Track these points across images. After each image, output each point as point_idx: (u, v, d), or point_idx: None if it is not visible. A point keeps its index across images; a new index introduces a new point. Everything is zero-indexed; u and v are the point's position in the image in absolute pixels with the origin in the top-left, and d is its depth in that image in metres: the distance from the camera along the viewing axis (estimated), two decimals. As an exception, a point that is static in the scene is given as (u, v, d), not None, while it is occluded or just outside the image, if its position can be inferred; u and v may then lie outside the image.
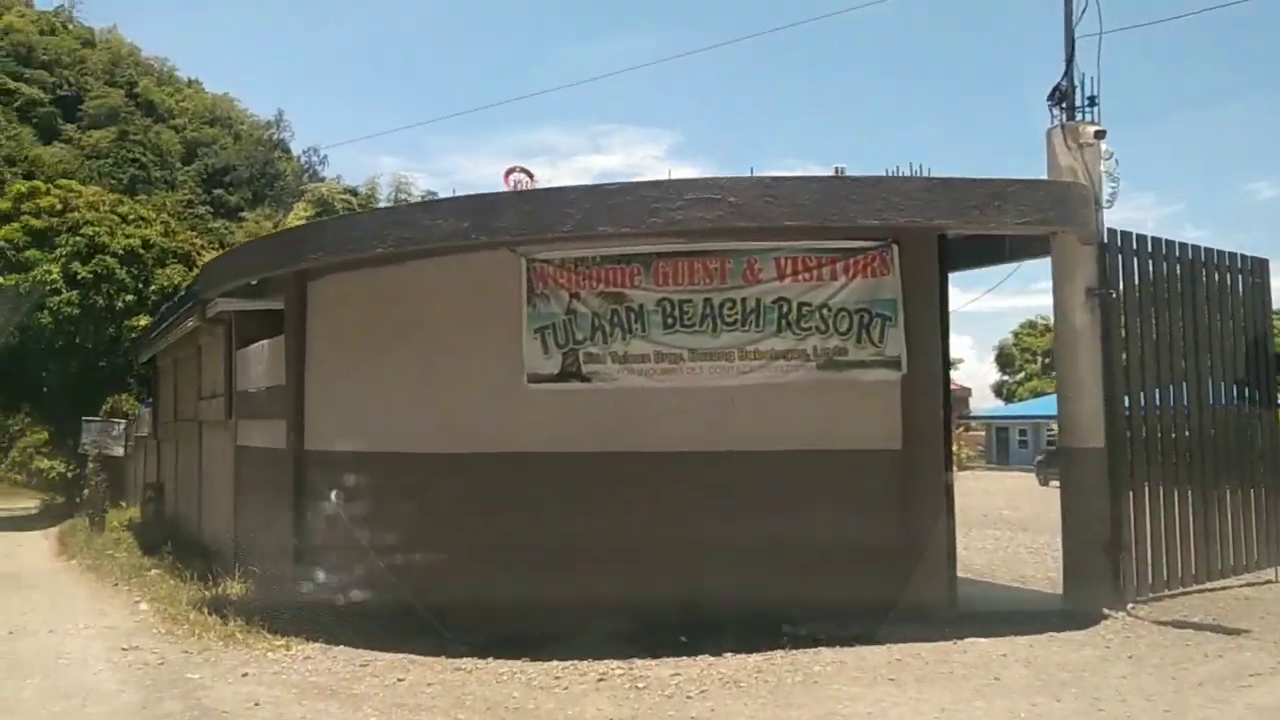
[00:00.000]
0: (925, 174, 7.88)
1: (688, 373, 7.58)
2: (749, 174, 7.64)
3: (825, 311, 7.58)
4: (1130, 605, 7.79)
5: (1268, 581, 9.14)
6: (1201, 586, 8.61)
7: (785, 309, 7.56)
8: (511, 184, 8.90)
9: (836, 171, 7.86)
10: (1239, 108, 62.16)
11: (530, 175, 9.07)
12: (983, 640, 6.75)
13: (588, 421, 7.70)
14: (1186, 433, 8.84)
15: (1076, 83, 8.16)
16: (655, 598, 7.19)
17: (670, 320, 7.60)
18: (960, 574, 8.10)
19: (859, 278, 7.58)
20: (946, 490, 7.68)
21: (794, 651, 6.51)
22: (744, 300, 7.58)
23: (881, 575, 7.23)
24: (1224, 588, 8.75)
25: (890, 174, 7.75)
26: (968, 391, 55.20)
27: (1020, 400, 52.91)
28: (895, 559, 7.30)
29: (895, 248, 7.51)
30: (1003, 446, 46.93)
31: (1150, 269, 8.51)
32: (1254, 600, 8.34)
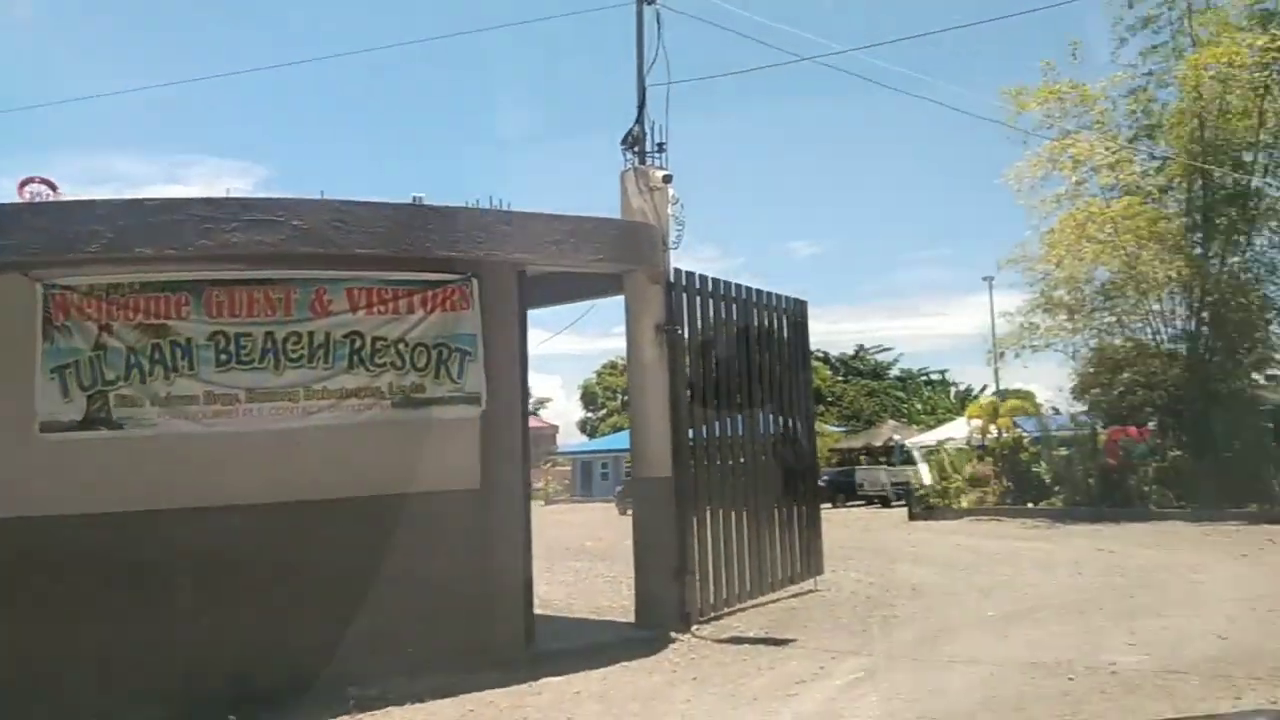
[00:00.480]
0: (505, 208, 7.81)
1: (245, 415, 6.80)
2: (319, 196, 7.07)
3: (402, 346, 7.21)
4: (695, 627, 8.22)
5: (810, 591, 10.18)
6: (756, 601, 9.35)
7: (358, 344, 7.07)
8: (28, 196, 7.47)
9: (414, 200, 7.56)
10: (779, 168, 72.11)
11: (53, 187, 7.69)
12: (557, 679, 6.69)
13: (119, 476, 6.61)
14: (742, 459, 9.60)
15: (648, 129, 8.61)
16: (204, 676, 6.31)
17: (225, 356, 6.79)
18: (540, 610, 8.06)
19: (438, 311, 7.31)
20: (525, 527, 7.59)
21: (358, 717, 6.00)
22: (311, 334, 6.97)
23: (461, 621, 6.95)
24: (774, 600, 9.59)
25: (469, 206, 7.59)
26: (555, 429, 57.58)
27: (603, 435, 55.72)
28: (475, 602, 7.07)
29: (475, 281, 7.34)
30: (587, 480, 49.16)
31: (711, 308, 9.17)
32: (798, 610, 9.20)
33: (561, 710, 6.09)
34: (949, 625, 8.03)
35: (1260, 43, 18.50)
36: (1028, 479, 22.57)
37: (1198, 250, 20.58)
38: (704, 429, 8.99)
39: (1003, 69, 53.44)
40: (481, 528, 7.28)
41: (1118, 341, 22.14)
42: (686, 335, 8.72)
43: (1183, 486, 19.10)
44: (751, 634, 8.09)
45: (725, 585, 8.96)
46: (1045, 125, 21.48)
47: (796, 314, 10.72)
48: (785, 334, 10.53)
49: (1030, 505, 21.66)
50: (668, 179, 8.41)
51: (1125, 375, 21.10)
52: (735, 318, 9.54)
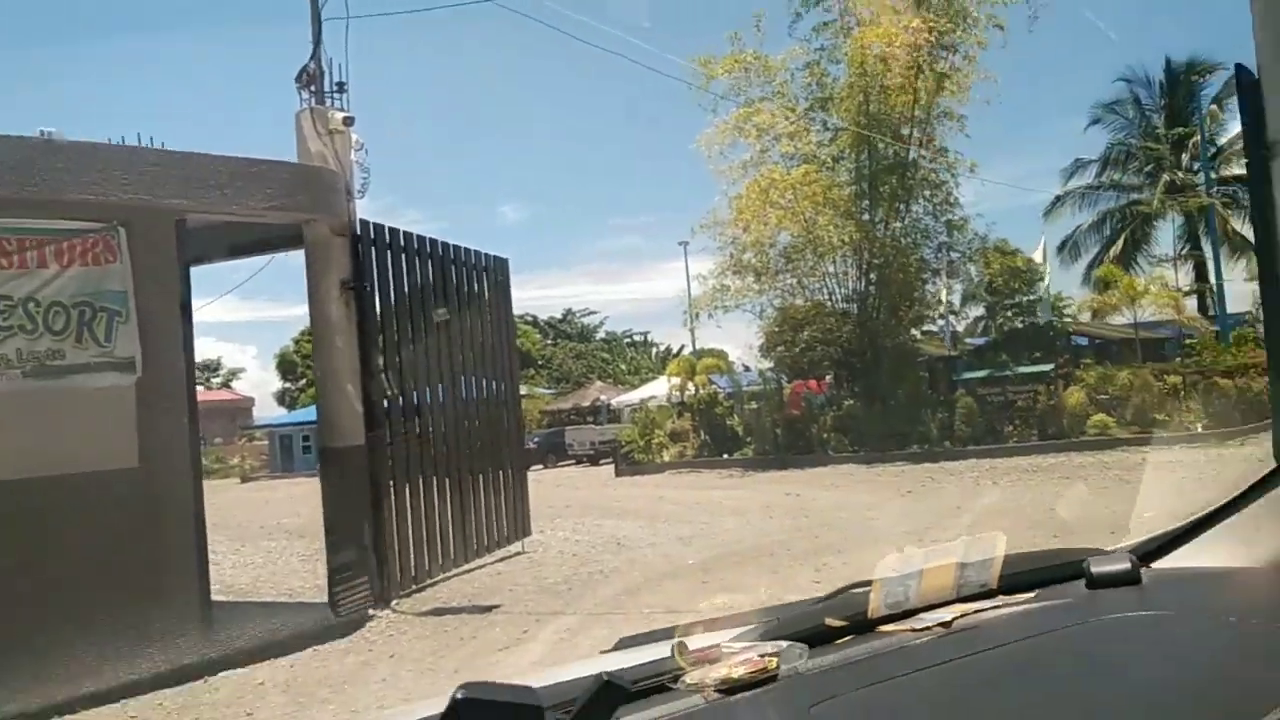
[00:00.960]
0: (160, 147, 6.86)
1: None
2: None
3: (32, 306, 6.16)
4: (395, 602, 7.79)
5: (517, 554, 10.02)
6: (461, 569, 9.05)
7: (-26, 304, 5.96)
8: None
9: (42, 135, 6.43)
10: (485, 128, 71.30)
11: None
12: (238, 671, 6.05)
13: None
14: (443, 425, 9.21)
15: (325, 67, 7.90)
16: None
17: None
18: (223, 597, 7.34)
19: (76, 265, 6.31)
20: (196, 507, 6.79)
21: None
22: (-91, 292, 5.78)
23: (125, 615, 6.07)
24: (481, 566, 9.33)
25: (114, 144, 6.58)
26: (251, 401, 53.78)
27: (303, 406, 52.72)
28: (139, 594, 6.23)
29: (123, 231, 6.40)
30: (287, 454, 46.31)
31: (405, 264, 8.65)
32: (504, 575, 9.00)
33: (241, 705, 5.49)
34: (651, 576, 8.16)
35: (914, 24, 20.35)
36: (723, 432, 23.88)
37: (865, 216, 22.46)
38: (400, 393, 8.50)
39: (698, 36, 55.53)
40: (143, 510, 6.41)
41: (799, 302, 23.81)
42: (377, 293, 8.16)
43: (856, 433, 20.96)
44: (455, 604, 7.79)
45: (427, 555, 8.58)
46: (733, 93, 22.62)
47: (498, 272, 10.42)
48: (487, 293, 10.21)
49: (725, 456, 22.92)
50: (349, 121, 7.77)
51: (805, 333, 22.74)
52: (432, 275, 9.07)
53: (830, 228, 21.77)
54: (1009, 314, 22.06)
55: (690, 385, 26.55)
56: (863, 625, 1.36)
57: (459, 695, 0.80)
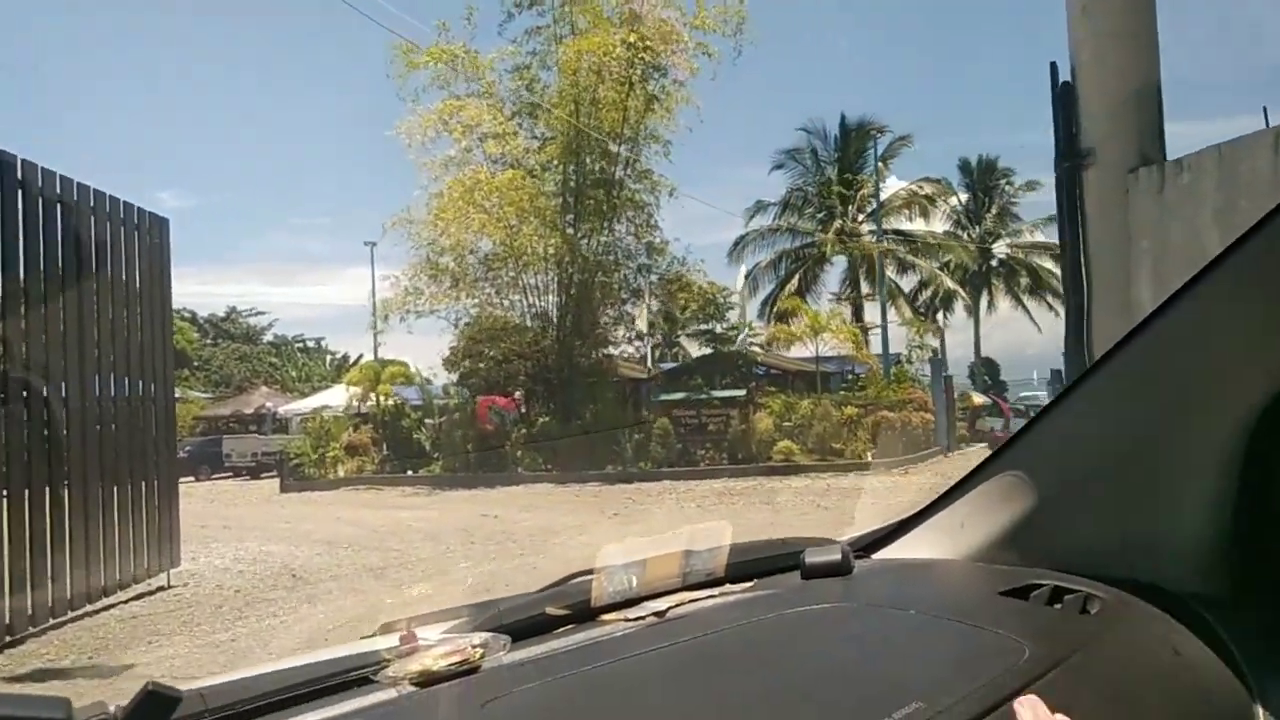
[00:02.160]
0: None
1: None
2: None
3: None
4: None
5: (161, 589, 8.05)
6: (82, 611, 7.00)
7: None
8: None
9: None
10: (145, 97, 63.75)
11: None
12: None
13: None
14: (65, 423, 7.07)
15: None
16: None
17: None
18: None
19: None
20: None
21: None
22: None
23: None
24: (110, 606, 7.31)
25: None
26: None
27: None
28: None
29: None
30: None
31: (18, 203, 6.52)
32: (143, 618, 7.08)
33: None
34: (341, 621, 6.63)
35: (631, 39, 20.12)
36: (408, 446, 22.18)
37: (570, 230, 21.83)
38: (2, 376, 6.35)
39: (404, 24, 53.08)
40: None
41: (498, 312, 22.73)
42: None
43: (549, 451, 20.16)
44: (67, 662, 5.83)
45: (30, 599, 6.46)
46: (437, 86, 21.24)
47: (154, 234, 8.35)
48: (138, 261, 8.13)
49: (410, 473, 21.26)
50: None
51: (500, 346, 21.71)
52: (61, 225, 6.95)
53: (534, 237, 20.93)
54: (704, 340, 22.37)
55: (373, 395, 24.54)
56: (584, 614, 1.34)
57: None
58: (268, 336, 55.36)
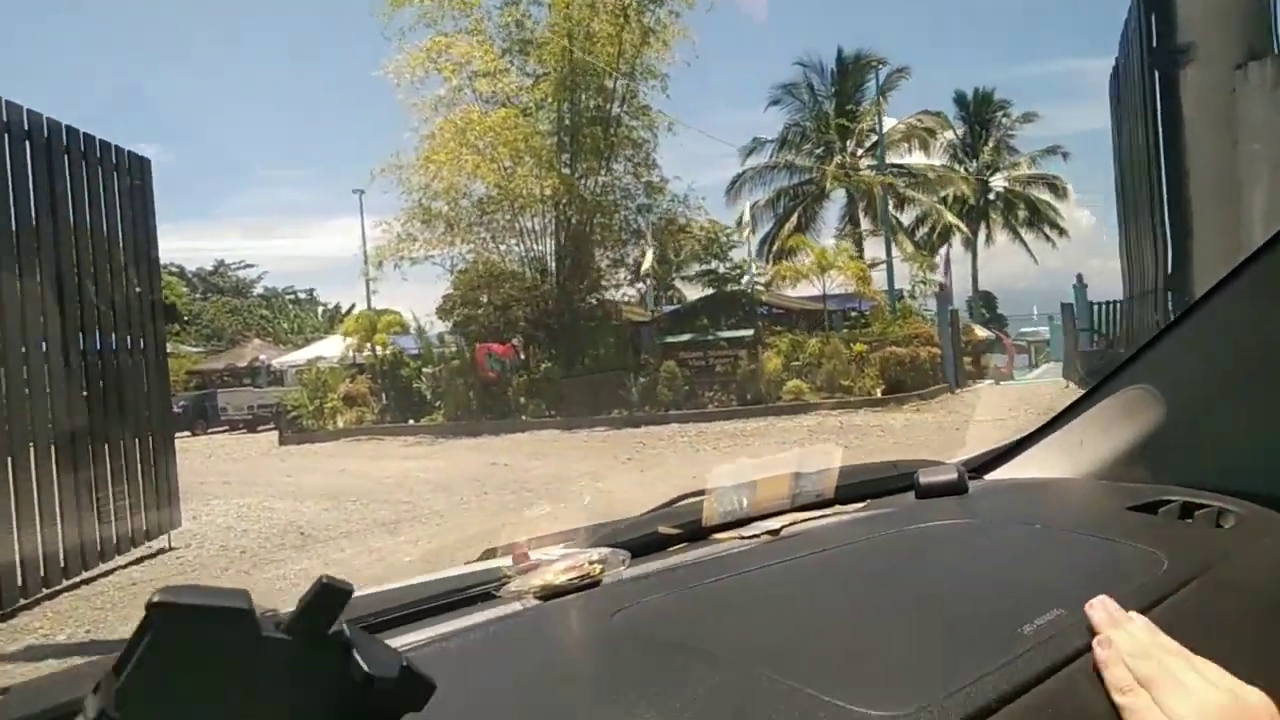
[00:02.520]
0: None
1: None
2: None
3: None
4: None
5: (162, 551, 7.64)
6: (79, 579, 6.58)
7: None
8: None
9: None
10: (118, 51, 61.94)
11: None
12: None
13: None
14: (48, 388, 6.55)
15: None
16: None
17: None
18: None
19: None
20: None
21: None
22: None
23: None
24: (109, 572, 6.89)
25: None
26: None
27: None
28: None
29: None
30: None
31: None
32: (143, 584, 6.64)
33: None
34: (359, 582, 6.20)
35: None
36: (409, 396, 21.74)
37: (567, 170, 21.12)
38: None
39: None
40: None
41: (494, 257, 22.13)
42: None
43: (553, 397, 19.72)
44: (63, 636, 5.41)
45: (21, 566, 6.03)
46: (424, 23, 20.43)
47: (135, 175, 7.77)
48: (120, 205, 7.57)
49: (411, 422, 20.84)
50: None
51: (500, 291, 21.14)
52: (33, 166, 6.39)
53: (529, 178, 20.26)
54: (706, 280, 21.77)
55: (369, 346, 24.02)
56: (697, 534, 1.35)
57: (154, 599, 0.61)
58: (258, 289, 54.79)
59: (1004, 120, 45.11)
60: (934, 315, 25.55)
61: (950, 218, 37.69)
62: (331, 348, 28.81)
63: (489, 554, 1.25)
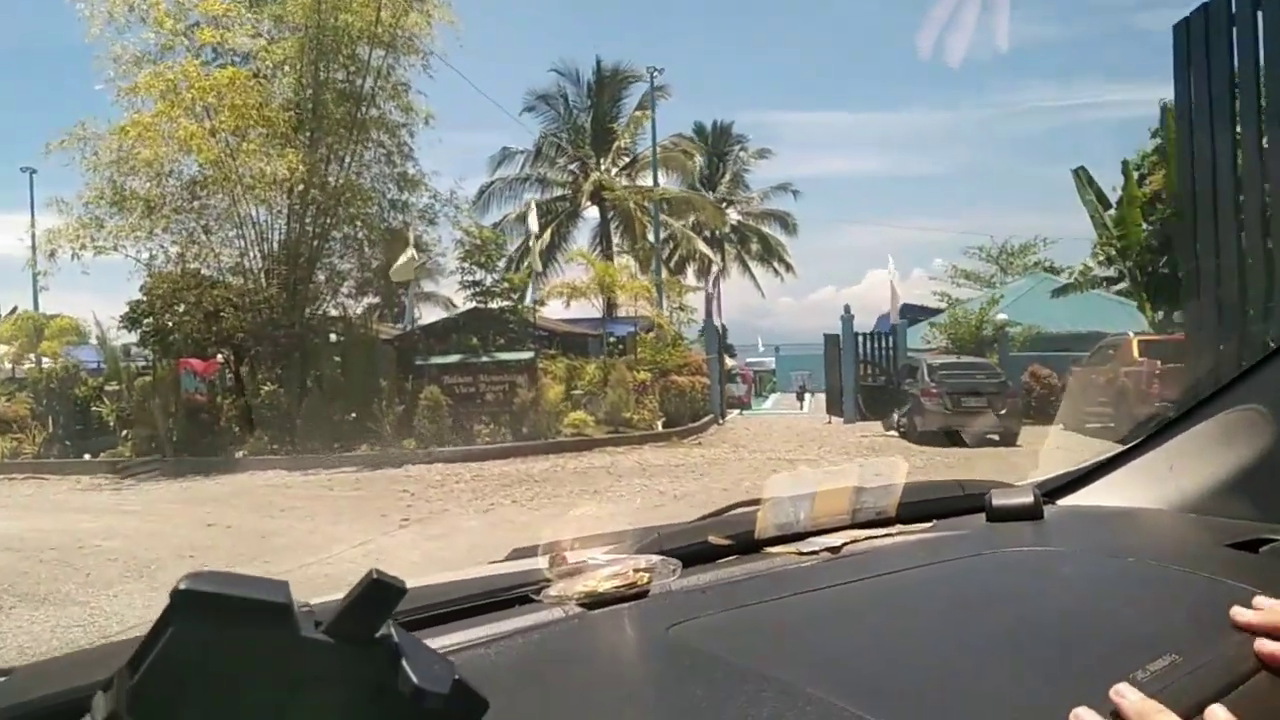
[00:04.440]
0: None
1: None
2: None
3: None
4: None
5: None
6: None
7: None
8: None
9: None
10: None
11: None
12: None
13: None
14: None
15: None
16: None
17: None
18: None
19: None
20: None
21: None
22: None
23: None
24: None
25: None
26: None
27: None
28: None
29: None
30: None
31: None
32: None
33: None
34: None
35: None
36: (86, 421, 17.07)
37: (306, 149, 17.44)
38: None
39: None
40: None
41: (205, 252, 18.01)
42: None
43: (278, 428, 16.02)
44: None
45: None
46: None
47: None
48: None
49: (89, 456, 16.29)
50: None
51: (212, 294, 17.21)
52: None
53: (258, 155, 16.49)
54: (473, 293, 18.86)
55: (33, 356, 18.95)
56: (748, 546, 1.29)
57: (180, 585, 0.56)
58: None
59: (741, 154, 45.83)
60: (691, 343, 24.29)
61: (700, 245, 37.16)
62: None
63: (520, 553, 1.19)
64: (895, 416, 19.02)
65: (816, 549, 1.26)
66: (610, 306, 23.55)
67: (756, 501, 1.31)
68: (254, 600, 0.56)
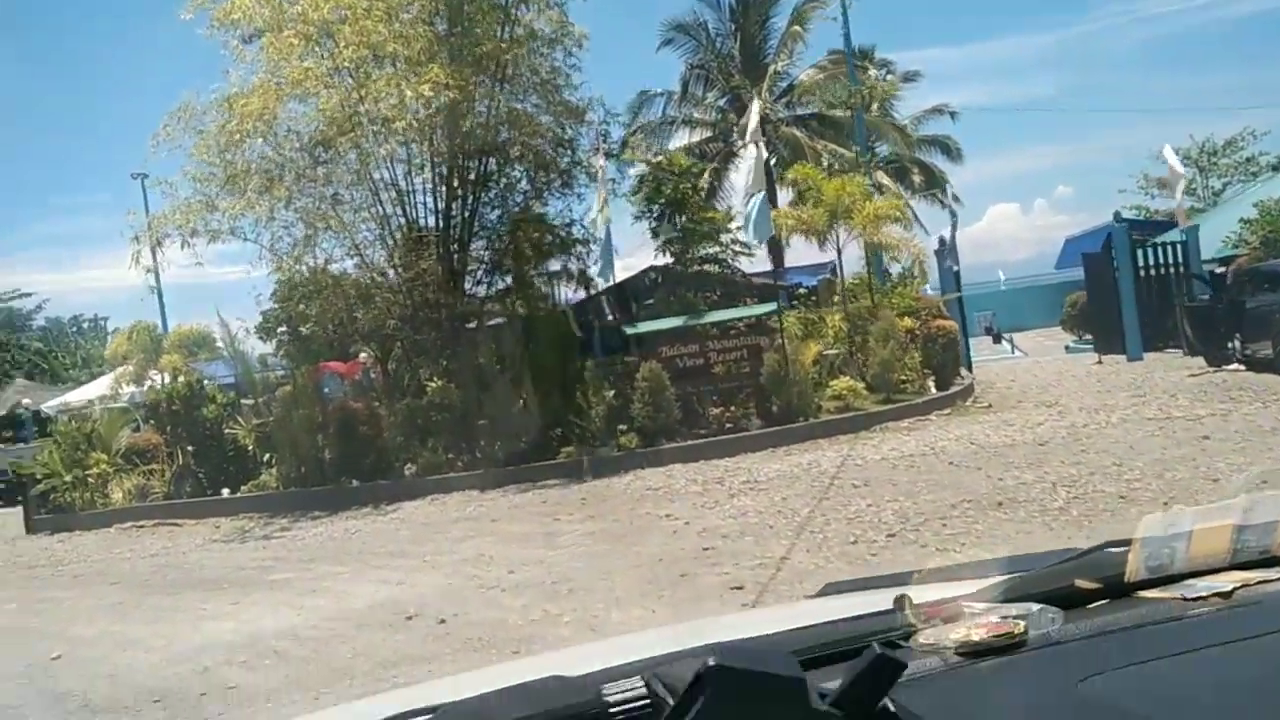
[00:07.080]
0: None
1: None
2: None
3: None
4: None
5: None
6: None
7: None
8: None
9: None
10: None
11: None
12: None
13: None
14: None
15: None
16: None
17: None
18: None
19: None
20: None
21: None
22: None
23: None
24: None
25: None
26: None
27: None
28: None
29: None
30: None
31: None
32: None
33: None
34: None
35: None
36: (219, 449, 13.83)
37: (458, 86, 13.48)
38: None
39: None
40: None
41: (334, 225, 14.41)
42: None
43: (464, 436, 12.37)
44: None
45: None
46: None
47: None
48: None
49: (228, 492, 13.07)
50: None
51: (346, 280, 13.79)
52: None
53: (392, 85, 12.66)
54: (669, 238, 14.77)
55: (156, 372, 15.95)
56: (1118, 589, 1.16)
57: (710, 663, 0.65)
58: (38, 321, 44.82)
59: (889, 78, 40.62)
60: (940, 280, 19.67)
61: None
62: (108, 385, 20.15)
63: (899, 601, 1.09)
64: (1234, 345, 14.27)
65: (1205, 594, 1.10)
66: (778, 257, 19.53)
67: (1125, 542, 1.16)
68: (774, 675, 0.63)
